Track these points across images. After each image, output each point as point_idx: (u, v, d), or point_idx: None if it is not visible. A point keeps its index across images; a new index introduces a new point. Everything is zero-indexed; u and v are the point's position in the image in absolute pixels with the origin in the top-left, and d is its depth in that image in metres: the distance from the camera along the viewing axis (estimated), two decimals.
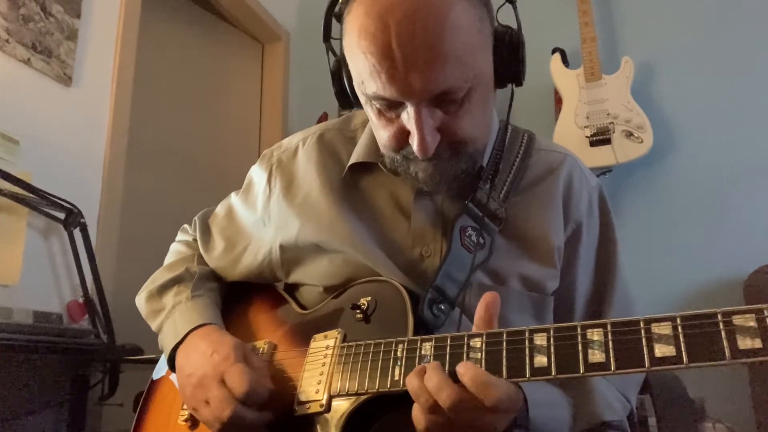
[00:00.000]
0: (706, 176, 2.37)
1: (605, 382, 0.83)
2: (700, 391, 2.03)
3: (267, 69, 3.24)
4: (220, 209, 1.05)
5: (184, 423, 0.87)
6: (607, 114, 2.38)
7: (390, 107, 0.74)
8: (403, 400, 0.66)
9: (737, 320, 0.52)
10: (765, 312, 0.52)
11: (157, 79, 2.61)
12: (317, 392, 0.74)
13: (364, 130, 0.93)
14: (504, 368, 0.62)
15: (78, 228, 1.75)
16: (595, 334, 0.59)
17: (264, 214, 0.96)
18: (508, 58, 0.78)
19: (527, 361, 0.61)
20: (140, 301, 1.00)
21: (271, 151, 1.01)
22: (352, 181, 0.91)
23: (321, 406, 0.73)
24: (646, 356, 0.55)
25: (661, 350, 0.55)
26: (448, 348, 0.66)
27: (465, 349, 0.65)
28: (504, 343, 0.63)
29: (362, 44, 0.70)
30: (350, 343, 0.76)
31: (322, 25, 0.81)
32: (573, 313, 0.88)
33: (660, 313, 0.57)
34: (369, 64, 0.70)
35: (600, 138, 2.35)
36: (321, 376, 0.75)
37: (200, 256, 1.02)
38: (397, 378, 0.68)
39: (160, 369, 0.99)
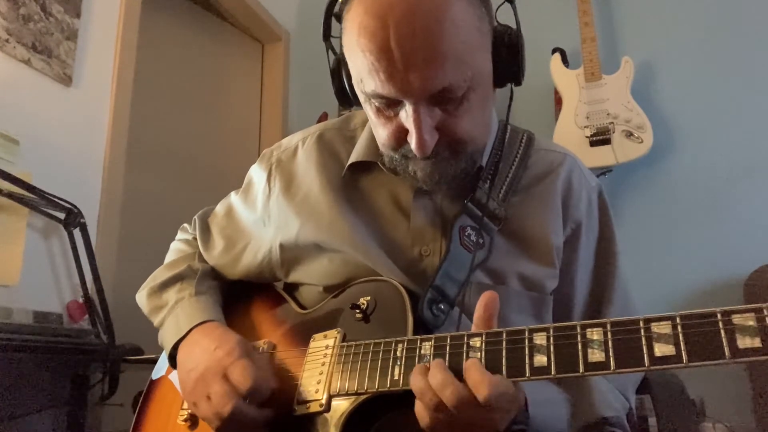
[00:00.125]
0: (706, 176, 2.37)
1: (605, 381, 0.83)
2: (700, 391, 2.03)
3: (267, 69, 3.25)
4: (219, 208, 1.05)
5: (183, 423, 0.87)
6: (607, 114, 2.38)
7: (389, 105, 0.74)
8: (403, 399, 0.66)
9: (737, 319, 0.52)
10: (764, 311, 0.52)
11: (157, 79, 2.61)
12: (317, 392, 0.74)
13: (363, 130, 0.93)
14: (504, 368, 0.62)
15: (78, 228, 1.75)
16: (595, 334, 0.59)
17: (264, 213, 0.96)
18: (507, 58, 0.78)
19: (527, 361, 0.61)
20: (141, 298, 1.00)
21: (270, 150, 1.01)
22: (352, 181, 0.91)
23: (320, 405, 0.73)
24: (645, 356, 0.55)
25: (661, 349, 0.55)
26: (447, 348, 0.66)
27: (465, 348, 0.65)
28: (504, 342, 0.63)
29: (361, 42, 0.70)
30: (350, 343, 0.76)
31: (322, 24, 0.82)
32: (572, 312, 0.88)
33: (660, 313, 0.57)
34: (368, 62, 0.70)
35: (600, 138, 2.35)
36: (321, 376, 0.75)
37: (201, 255, 1.02)
38: (396, 378, 0.68)
39: (159, 369, 0.99)
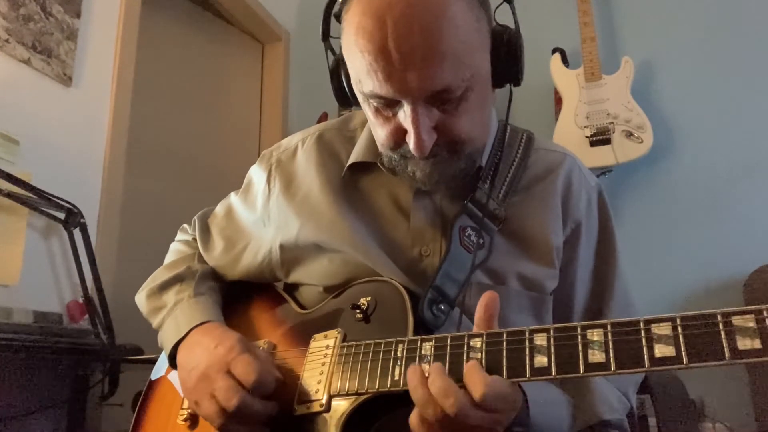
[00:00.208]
0: (706, 176, 2.37)
1: (605, 382, 0.83)
2: (700, 391, 2.04)
3: (267, 69, 3.25)
4: (219, 209, 1.05)
5: (183, 423, 0.87)
6: (607, 114, 2.38)
7: (387, 105, 0.74)
8: (403, 399, 0.65)
9: (737, 321, 0.52)
10: (764, 312, 0.52)
11: (157, 79, 2.61)
12: (317, 392, 0.74)
13: (363, 130, 0.93)
14: (504, 368, 0.62)
15: (78, 228, 1.75)
16: (595, 335, 0.59)
17: (263, 213, 0.96)
18: (506, 58, 0.78)
19: (527, 361, 0.61)
20: (140, 299, 1.00)
21: (270, 151, 1.01)
22: (352, 181, 0.91)
23: (321, 405, 0.73)
24: (645, 356, 0.55)
25: (661, 350, 0.55)
26: (448, 348, 0.66)
27: (465, 349, 0.65)
28: (504, 343, 0.63)
29: (359, 42, 0.70)
30: (350, 343, 0.75)
31: (321, 24, 0.82)
32: (572, 312, 0.88)
33: (660, 314, 0.57)
34: (366, 62, 0.70)
35: (600, 138, 2.35)
36: (321, 376, 0.75)
37: (200, 255, 1.02)
38: (397, 378, 0.68)
39: (159, 369, 0.99)
